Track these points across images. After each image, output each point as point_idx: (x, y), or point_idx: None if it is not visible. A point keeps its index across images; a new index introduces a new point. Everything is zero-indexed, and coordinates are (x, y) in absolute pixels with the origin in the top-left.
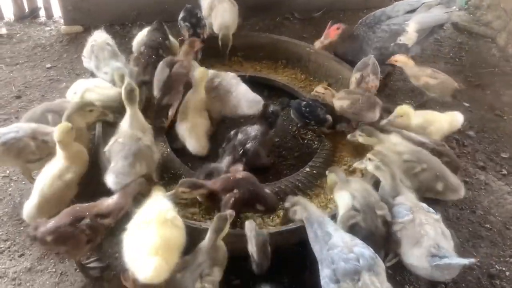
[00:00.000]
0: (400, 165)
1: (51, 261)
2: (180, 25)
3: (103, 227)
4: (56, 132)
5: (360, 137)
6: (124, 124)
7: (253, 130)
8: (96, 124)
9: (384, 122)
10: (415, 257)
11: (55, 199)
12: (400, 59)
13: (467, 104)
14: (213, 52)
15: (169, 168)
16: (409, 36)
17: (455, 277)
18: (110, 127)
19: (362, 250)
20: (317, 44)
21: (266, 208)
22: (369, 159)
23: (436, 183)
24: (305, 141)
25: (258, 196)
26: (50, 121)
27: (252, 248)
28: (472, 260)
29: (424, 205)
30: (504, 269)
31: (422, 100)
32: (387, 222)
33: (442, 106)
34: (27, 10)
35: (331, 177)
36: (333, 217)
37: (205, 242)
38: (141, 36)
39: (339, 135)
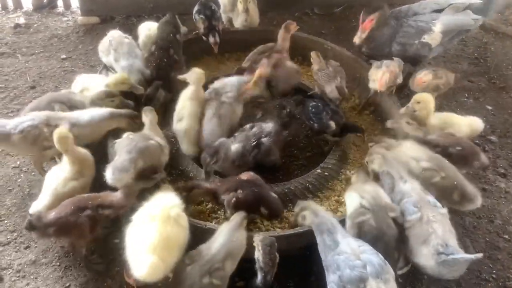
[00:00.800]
0: (419, 173)
1: (56, 254)
2: (195, 18)
3: (104, 218)
4: (54, 139)
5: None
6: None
7: (268, 126)
8: None
9: (402, 109)
10: (423, 256)
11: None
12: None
13: (490, 107)
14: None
15: (178, 164)
16: (434, 36)
17: None
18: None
19: (370, 257)
20: (356, 40)
21: (270, 212)
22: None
23: (453, 192)
24: (319, 141)
25: (262, 199)
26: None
27: (258, 254)
28: (479, 255)
29: (430, 198)
30: None
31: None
32: (400, 223)
33: (463, 108)
34: (45, 0)
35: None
36: (343, 222)
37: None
38: (144, 30)
39: (354, 137)
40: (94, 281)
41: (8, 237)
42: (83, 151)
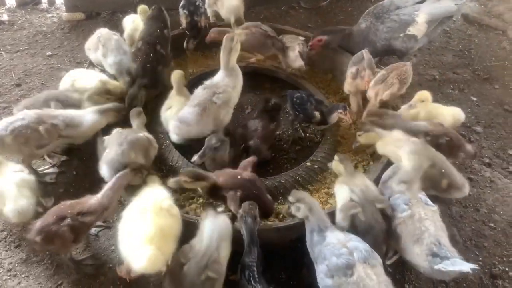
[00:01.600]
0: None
1: (47, 252)
2: (179, 12)
3: (85, 225)
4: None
5: (360, 138)
6: None
7: (254, 124)
8: None
9: (405, 106)
10: (416, 255)
11: None
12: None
13: (474, 99)
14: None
15: (168, 160)
16: (419, 27)
17: (457, 275)
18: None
19: (357, 243)
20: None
21: (262, 213)
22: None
23: (441, 180)
24: (307, 134)
25: (259, 201)
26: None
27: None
28: (475, 266)
29: (422, 195)
30: (507, 269)
31: None
32: (388, 215)
33: (448, 100)
34: None
35: (337, 165)
36: (333, 214)
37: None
38: (129, 22)
39: (342, 130)
40: (87, 278)
41: None
42: None
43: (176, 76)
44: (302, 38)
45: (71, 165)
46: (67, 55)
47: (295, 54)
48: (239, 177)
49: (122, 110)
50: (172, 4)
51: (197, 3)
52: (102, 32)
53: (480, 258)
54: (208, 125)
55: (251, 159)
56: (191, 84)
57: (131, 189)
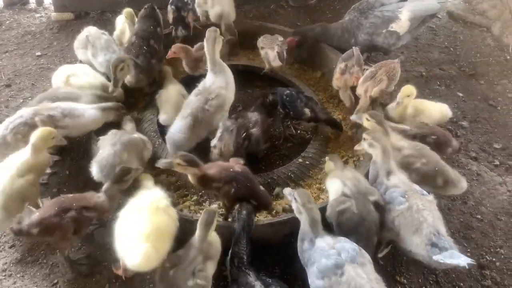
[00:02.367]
0: (401, 160)
1: (42, 252)
2: (168, 8)
3: (88, 220)
4: (34, 135)
5: (366, 121)
6: None
7: (254, 115)
8: None
9: (392, 105)
10: (415, 245)
11: (19, 198)
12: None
13: (460, 94)
14: None
15: (161, 158)
16: (402, 24)
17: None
18: None
19: (344, 244)
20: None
21: (259, 205)
22: (364, 138)
23: (436, 178)
24: (298, 131)
25: (253, 193)
26: None
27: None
28: (472, 261)
29: (417, 187)
30: (494, 259)
31: None
32: (380, 207)
33: (435, 96)
34: None
35: (329, 165)
36: (324, 208)
37: (196, 238)
38: (120, 22)
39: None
40: (83, 277)
41: None
42: (48, 157)
43: (166, 70)
44: (280, 39)
45: (64, 164)
46: (56, 55)
47: (273, 55)
48: (231, 169)
49: (121, 109)
50: (163, 3)
51: (185, 0)
52: (91, 31)
53: (468, 250)
54: (202, 134)
55: (239, 160)
56: (182, 84)
57: (128, 190)
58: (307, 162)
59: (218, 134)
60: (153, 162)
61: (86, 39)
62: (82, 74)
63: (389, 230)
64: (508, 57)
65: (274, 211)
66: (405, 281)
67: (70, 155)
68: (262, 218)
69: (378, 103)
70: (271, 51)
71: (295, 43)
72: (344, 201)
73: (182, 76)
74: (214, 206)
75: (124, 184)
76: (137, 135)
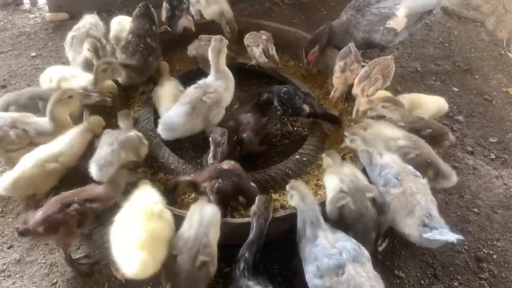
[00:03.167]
0: (395, 150)
1: (41, 252)
2: (163, 6)
3: (92, 211)
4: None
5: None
6: None
7: (246, 117)
8: None
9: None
10: (408, 226)
11: (33, 181)
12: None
13: (456, 89)
14: None
15: (158, 157)
16: (399, 20)
17: (444, 260)
18: None
19: (344, 243)
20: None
21: (248, 202)
22: (345, 136)
23: (427, 170)
24: (295, 128)
25: (241, 189)
26: (40, 108)
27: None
28: (460, 237)
29: (410, 167)
30: (491, 252)
31: None
32: (377, 203)
33: (431, 91)
34: None
35: (327, 161)
36: (323, 204)
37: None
38: (116, 24)
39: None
40: (82, 276)
41: None
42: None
43: (163, 65)
44: (264, 37)
45: None
46: (52, 55)
47: (259, 51)
48: (218, 167)
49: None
50: (157, 2)
51: None
52: (80, 29)
53: (466, 243)
54: (197, 125)
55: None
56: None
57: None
58: (304, 159)
59: (211, 151)
60: (150, 160)
61: (71, 39)
62: (71, 77)
63: (385, 213)
64: (503, 52)
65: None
66: (403, 275)
67: None
68: None
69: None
70: (256, 48)
71: (316, 56)
72: (344, 197)
73: (177, 74)
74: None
75: (134, 176)
76: (133, 132)
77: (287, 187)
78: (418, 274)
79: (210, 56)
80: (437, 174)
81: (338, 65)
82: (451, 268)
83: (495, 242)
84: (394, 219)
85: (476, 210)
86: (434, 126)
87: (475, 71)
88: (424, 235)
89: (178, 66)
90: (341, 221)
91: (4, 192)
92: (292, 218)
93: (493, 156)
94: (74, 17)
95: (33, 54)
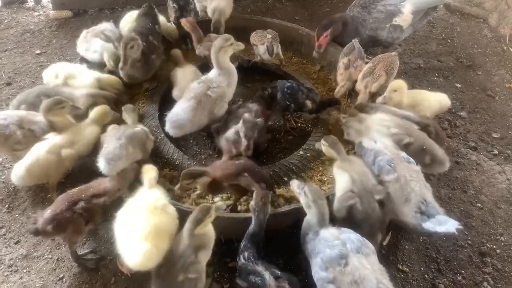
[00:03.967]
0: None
1: (47, 247)
2: (168, 5)
3: (99, 206)
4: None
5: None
6: None
7: (254, 106)
8: None
9: (380, 99)
10: (405, 214)
11: (47, 168)
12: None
13: (459, 85)
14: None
15: (163, 153)
16: (405, 17)
17: (447, 254)
18: None
19: (349, 235)
20: (315, 55)
21: (267, 186)
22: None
23: (424, 156)
24: (299, 124)
25: (262, 176)
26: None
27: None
28: (460, 226)
29: (404, 154)
30: (494, 247)
31: None
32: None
33: (434, 87)
34: None
35: (329, 152)
36: (327, 199)
37: (184, 232)
38: (126, 21)
39: (332, 119)
40: (89, 271)
41: None
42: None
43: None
44: (269, 36)
45: None
46: (56, 53)
47: (263, 48)
48: (236, 162)
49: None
50: (160, 0)
51: None
52: (95, 29)
53: (469, 238)
54: (203, 119)
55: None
56: None
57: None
58: (308, 155)
59: (243, 131)
60: (155, 155)
61: (84, 35)
62: (78, 75)
63: (385, 204)
64: (505, 48)
65: (276, 203)
66: (407, 269)
67: None
68: None
69: (377, 96)
70: (261, 46)
71: (329, 36)
72: (352, 197)
73: None
74: (219, 203)
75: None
76: (139, 127)
77: (295, 185)
78: (422, 268)
79: (211, 52)
80: (433, 160)
81: (342, 62)
82: (455, 263)
83: (499, 236)
84: (393, 208)
85: (479, 205)
86: (438, 129)
87: (478, 67)
88: (424, 225)
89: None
90: (348, 220)
91: (19, 182)
92: (296, 212)
93: (496, 152)
94: (78, 14)
95: (38, 51)
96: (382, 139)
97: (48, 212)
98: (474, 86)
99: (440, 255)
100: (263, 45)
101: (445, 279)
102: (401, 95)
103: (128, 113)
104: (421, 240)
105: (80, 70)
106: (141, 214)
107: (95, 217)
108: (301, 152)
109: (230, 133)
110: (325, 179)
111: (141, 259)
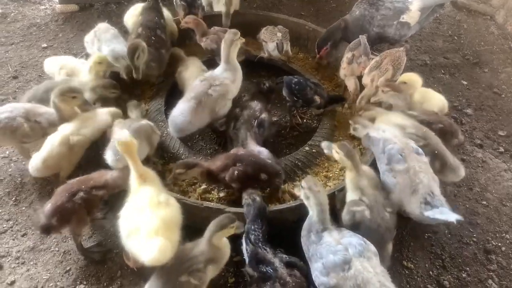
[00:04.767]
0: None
1: (54, 240)
2: (175, 3)
3: (99, 199)
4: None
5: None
6: None
7: (256, 103)
8: None
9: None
10: (411, 204)
11: (60, 159)
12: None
13: (465, 82)
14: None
15: (169, 147)
16: (412, 14)
17: (452, 252)
18: None
19: (349, 239)
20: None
21: (269, 176)
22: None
23: (434, 162)
24: (304, 120)
25: (260, 166)
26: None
27: None
28: (460, 218)
29: (413, 143)
30: (500, 244)
31: None
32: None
33: (440, 84)
34: None
35: (342, 160)
36: (332, 195)
37: (203, 238)
38: (130, 14)
39: (338, 115)
40: (95, 264)
41: (4, 225)
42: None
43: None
44: (280, 34)
45: None
46: (62, 46)
47: (273, 45)
48: (231, 153)
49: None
50: None
51: None
52: (101, 26)
53: (474, 235)
54: (205, 118)
55: None
56: None
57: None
58: (313, 150)
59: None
60: (161, 150)
61: (93, 34)
62: (83, 70)
63: (391, 193)
64: None
65: (282, 199)
66: (412, 266)
67: None
68: (271, 205)
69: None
70: (271, 43)
71: (328, 52)
72: (359, 204)
73: None
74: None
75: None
76: (144, 121)
77: (303, 184)
78: (427, 265)
79: (222, 47)
80: (443, 166)
81: (346, 56)
82: (460, 260)
83: (504, 234)
84: (400, 198)
85: (484, 202)
86: (446, 123)
87: (484, 65)
88: (425, 213)
89: None
90: (356, 228)
91: (36, 173)
92: (300, 208)
93: (502, 149)
94: (84, 8)
95: (44, 45)
96: (390, 128)
97: (49, 205)
98: (480, 83)
99: (445, 252)
100: (273, 42)
101: (449, 276)
102: (412, 88)
103: (132, 109)
104: (426, 237)
105: (86, 66)
106: (145, 211)
107: (93, 209)
108: (306, 148)
109: None
110: (331, 175)
111: (157, 253)
